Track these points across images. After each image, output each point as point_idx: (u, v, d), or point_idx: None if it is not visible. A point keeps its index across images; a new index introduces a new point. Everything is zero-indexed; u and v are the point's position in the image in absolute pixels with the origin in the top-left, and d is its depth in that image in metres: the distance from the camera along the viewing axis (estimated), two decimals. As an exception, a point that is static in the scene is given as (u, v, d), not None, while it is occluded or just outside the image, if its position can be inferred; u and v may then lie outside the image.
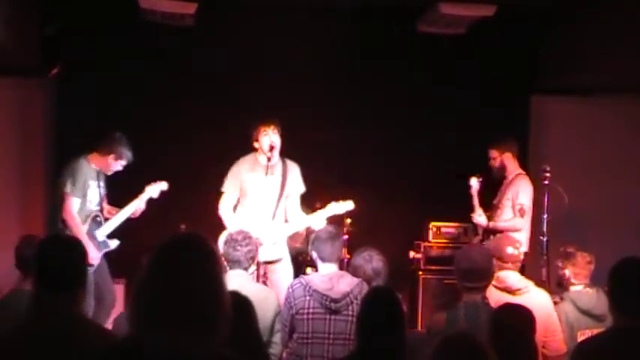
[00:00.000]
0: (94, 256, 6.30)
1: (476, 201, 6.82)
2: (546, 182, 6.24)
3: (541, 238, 6.20)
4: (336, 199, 6.22)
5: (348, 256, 6.20)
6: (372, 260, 4.99)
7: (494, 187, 7.02)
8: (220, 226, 6.12)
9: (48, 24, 7.18)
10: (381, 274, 4.96)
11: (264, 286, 5.42)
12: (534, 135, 8.05)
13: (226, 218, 6.23)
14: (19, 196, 7.46)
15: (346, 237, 6.42)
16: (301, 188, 6.39)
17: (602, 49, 6.81)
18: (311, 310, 4.69)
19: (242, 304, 3.60)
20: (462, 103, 7.72)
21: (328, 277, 4.77)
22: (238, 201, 6.33)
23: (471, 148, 7.17)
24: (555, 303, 5.00)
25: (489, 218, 6.83)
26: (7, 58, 6.80)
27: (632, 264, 3.36)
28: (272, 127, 6.19)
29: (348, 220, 6.75)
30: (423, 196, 7.71)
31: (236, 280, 4.57)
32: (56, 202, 6.46)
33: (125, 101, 7.42)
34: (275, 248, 6.19)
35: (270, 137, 6.18)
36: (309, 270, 6.71)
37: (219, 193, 6.30)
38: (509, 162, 6.93)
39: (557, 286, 5.28)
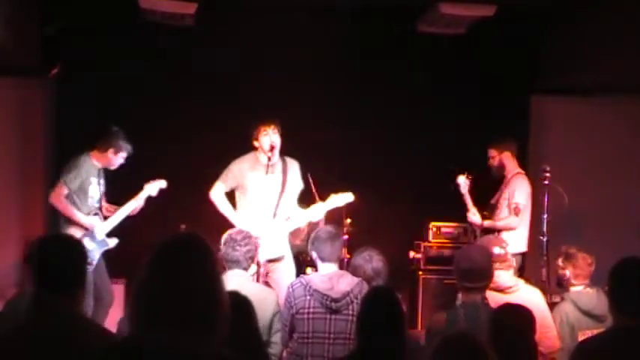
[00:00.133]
0: (94, 224, 6.39)
1: (468, 200, 6.80)
2: (546, 182, 6.25)
3: (541, 238, 6.20)
4: (336, 199, 6.24)
5: (348, 256, 6.20)
6: (372, 260, 4.99)
7: (494, 187, 7.03)
8: (220, 226, 6.12)
9: (48, 24, 7.17)
10: (381, 274, 4.97)
11: (263, 285, 5.43)
12: (534, 135, 8.05)
13: (218, 203, 6.30)
14: (19, 196, 7.45)
15: (346, 237, 6.42)
16: (300, 185, 6.40)
17: (602, 49, 6.81)
18: (311, 310, 4.69)
19: (242, 304, 3.60)
20: (462, 103, 7.72)
21: (328, 276, 4.77)
22: (239, 199, 6.34)
23: (471, 148, 7.17)
24: (556, 303, 5.00)
25: (489, 218, 6.84)
26: (7, 58, 6.80)
27: (632, 264, 3.36)
28: (272, 126, 6.20)
29: (348, 220, 6.75)
30: (423, 196, 7.70)
31: (235, 280, 4.58)
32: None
33: (125, 101, 7.42)
34: (277, 246, 6.19)
35: (270, 137, 6.19)
36: (309, 270, 6.71)
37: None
38: (508, 161, 6.94)
39: (557, 286, 5.29)
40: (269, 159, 6.15)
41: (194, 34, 7.27)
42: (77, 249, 3.16)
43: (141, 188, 6.64)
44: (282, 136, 6.22)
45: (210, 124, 7.51)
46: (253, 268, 5.24)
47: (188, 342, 2.20)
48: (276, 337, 4.69)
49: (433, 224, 7.62)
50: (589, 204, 7.41)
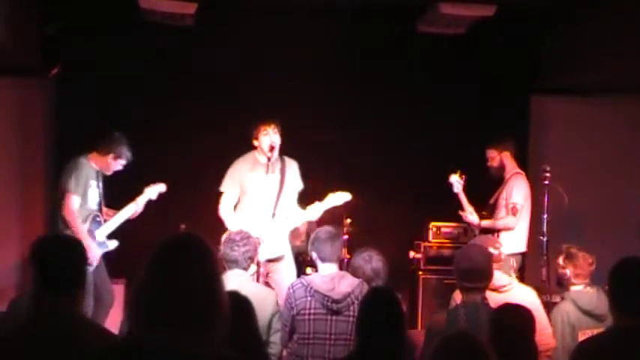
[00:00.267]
0: (95, 255, 6.30)
1: (463, 199, 6.80)
2: (546, 182, 6.24)
3: (541, 238, 6.19)
4: (336, 200, 6.23)
5: (348, 256, 6.20)
6: (371, 260, 4.99)
7: (493, 187, 7.03)
8: (220, 227, 6.12)
9: (48, 24, 7.17)
10: (381, 275, 4.97)
11: (263, 285, 5.42)
12: (534, 135, 8.05)
13: (227, 219, 6.22)
14: (19, 196, 7.46)
15: (346, 237, 6.42)
16: (299, 185, 6.40)
17: (602, 49, 6.81)
18: (312, 311, 4.69)
19: (241, 304, 3.60)
20: (462, 103, 7.72)
21: (329, 277, 4.77)
22: (239, 200, 6.33)
23: (471, 148, 7.16)
24: (556, 303, 5.00)
25: (488, 218, 6.83)
26: (7, 58, 6.80)
27: (632, 264, 3.36)
28: (272, 126, 6.20)
29: (348, 220, 6.74)
30: (423, 196, 7.70)
31: (235, 280, 4.58)
32: (57, 203, 6.46)
33: (125, 101, 7.42)
34: (276, 246, 6.19)
35: (270, 137, 6.19)
36: (309, 270, 6.71)
37: (219, 194, 6.30)
38: (508, 161, 6.94)
39: (557, 286, 5.29)
40: (268, 159, 6.14)
41: (194, 34, 7.27)
42: (77, 249, 3.16)
43: (141, 189, 6.63)
44: (282, 136, 6.21)
45: (210, 124, 7.51)
46: (253, 268, 5.24)
47: (188, 342, 2.20)
48: (276, 337, 4.69)
49: (433, 224, 7.62)
50: (589, 204, 7.41)
